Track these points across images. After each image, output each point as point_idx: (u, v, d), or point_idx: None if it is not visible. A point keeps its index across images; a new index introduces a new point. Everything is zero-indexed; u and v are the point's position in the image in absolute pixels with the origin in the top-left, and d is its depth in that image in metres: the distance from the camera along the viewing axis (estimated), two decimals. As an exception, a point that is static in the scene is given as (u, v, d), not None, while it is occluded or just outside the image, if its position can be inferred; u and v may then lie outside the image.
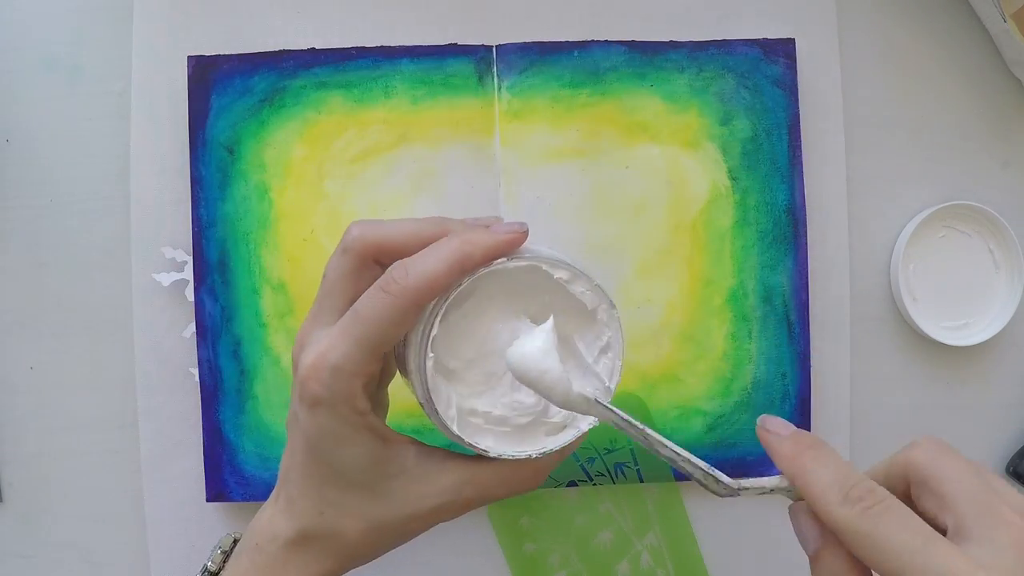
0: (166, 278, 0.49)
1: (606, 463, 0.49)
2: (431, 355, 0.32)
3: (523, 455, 0.33)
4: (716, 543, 0.50)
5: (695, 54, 0.50)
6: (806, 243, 0.50)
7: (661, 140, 0.50)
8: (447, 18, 0.50)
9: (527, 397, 0.33)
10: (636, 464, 0.49)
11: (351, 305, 0.33)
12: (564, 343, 0.34)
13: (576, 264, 0.33)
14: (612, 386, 0.34)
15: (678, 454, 0.32)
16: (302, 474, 0.34)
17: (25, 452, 0.50)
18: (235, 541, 0.39)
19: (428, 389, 0.32)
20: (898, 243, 0.51)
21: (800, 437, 0.31)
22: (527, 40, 0.49)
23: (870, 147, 0.51)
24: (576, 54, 0.49)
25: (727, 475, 0.50)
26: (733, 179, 0.50)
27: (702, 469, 0.32)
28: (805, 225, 0.50)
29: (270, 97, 0.49)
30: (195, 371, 0.49)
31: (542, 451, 0.33)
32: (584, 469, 0.49)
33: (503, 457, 0.33)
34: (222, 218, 0.49)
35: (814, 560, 0.31)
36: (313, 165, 0.49)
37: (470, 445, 0.33)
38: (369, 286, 0.32)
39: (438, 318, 0.31)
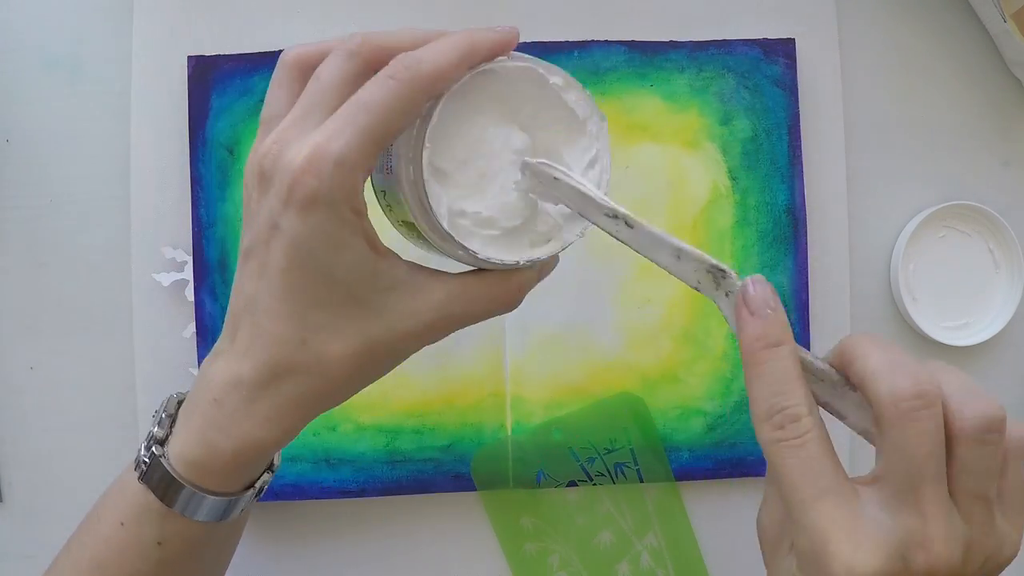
0: (166, 278, 0.49)
1: (606, 463, 0.49)
2: (428, 146, 0.31)
3: (511, 261, 0.32)
4: (716, 543, 0.50)
5: (695, 54, 0.50)
6: (806, 243, 0.50)
7: (661, 140, 0.50)
8: (447, 18, 0.50)
9: (518, 200, 0.33)
10: (636, 464, 0.49)
11: None
12: (551, 157, 0.33)
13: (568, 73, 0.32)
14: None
15: (681, 248, 0.31)
16: (281, 298, 0.30)
17: (25, 452, 0.50)
18: (180, 404, 0.35)
19: (424, 184, 0.31)
20: (898, 243, 0.51)
21: (767, 327, 0.30)
22: (527, 40, 0.49)
23: (870, 147, 0.51)
24: (576, 54, 0.49)
25: (727, 474, 0.50)
26: (733, 179, 0.50)
27: (708, 263, 0.31)
28: (805, 225, 0.50)
29: None
30: (195, 371, 0.49)
31: (530, 259, 0.32)
32: (584, 469, 0.49)
33: (491, 262, 0.32)
34: (222, 218, 0.49)
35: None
36: (313, 165, 0.49)
37: (460, 245, 0.31)
38: None
39: (438, 108, 0.31)
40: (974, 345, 0.50)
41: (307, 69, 0.32)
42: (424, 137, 0.30)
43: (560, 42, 0.49)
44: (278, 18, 0.50)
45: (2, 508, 0.50)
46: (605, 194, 0.32)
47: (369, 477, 0.49)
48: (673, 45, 0.50)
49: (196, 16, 0.50)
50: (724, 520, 0.50)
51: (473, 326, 0.50)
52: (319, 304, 0.31)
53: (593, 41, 0.50)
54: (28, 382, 0.50)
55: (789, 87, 0.50)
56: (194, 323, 0.49)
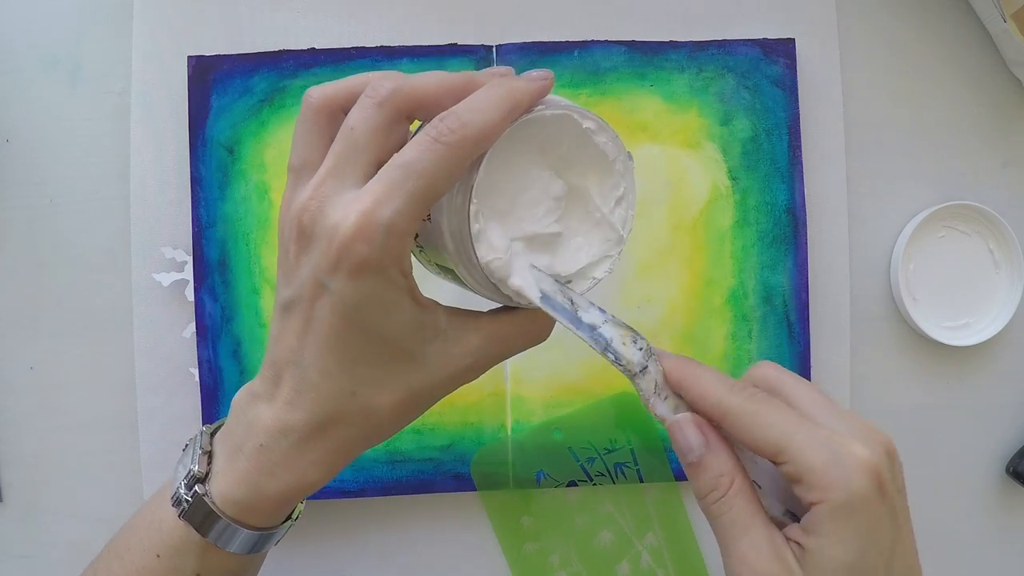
0: (166, 278, 0.49)
1: (606, 463, 0.49)
2: (474, 201, 0.31)
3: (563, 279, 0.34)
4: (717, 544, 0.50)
5: (695, 54, 0.50)
6: (806, 243, 0.50)
7: (661, 140, 0.50)
8: (447, 18, 0.50)
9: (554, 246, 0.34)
10: (636, 464, 0.49)
11: (380, 163, 0.30)
12: (579, 195, 0.34)
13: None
14: (625, 234, 0.35)
15: (603, 312, 0.33)
16: (330, 354, 0.31)
17: (25, 452, 0.50)
18: (211, 436, 0.36)
19: (471, 239, 0.31)
20: (898, 243, 0.51)
21: (708, 479, 0.33)
22: (527, 40, 0.49)
23: (870, 147, 0.51)
24: (576, 54, 0.49)
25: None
26: (733, 179, 0.50)
27: (631, 332, 0.33)
28: (805, 225, 0.50)
29: (270, 97, 0.49)
30: (195, 371, 0.49)
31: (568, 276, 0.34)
32: (584, 469, 0.49)
33: (532, 304, 0.33)
34: (222, 218, 0.49)
35: (697, 466, 0.32)
36: (313, 165, 0.49)
37: (502, 293, 0.32)
38: (398, 144, 0.31)
39: (482, 165, 0.31)
40: (974, 345, 0.50)
41: (335, 112, 0.32)
42: (471, 193, 0.31)
43: (560, 42, 0.49)
44: (279, 18, 0.50)
45: (2, 508, 0.50)
46: (629, 232, 0.35)
47: (369, 477, 0.49)
48: (673, 45, 0.50)
49: (196, 16, 0.50)
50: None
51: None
52: (367, 359, 0.31)
53: (593, 41, 0.50)
54: (28, 382, 0.50)
55: (789, 87, 0.50)
56: (194, 323, 0.49)
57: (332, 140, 0.31)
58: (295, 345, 0.32)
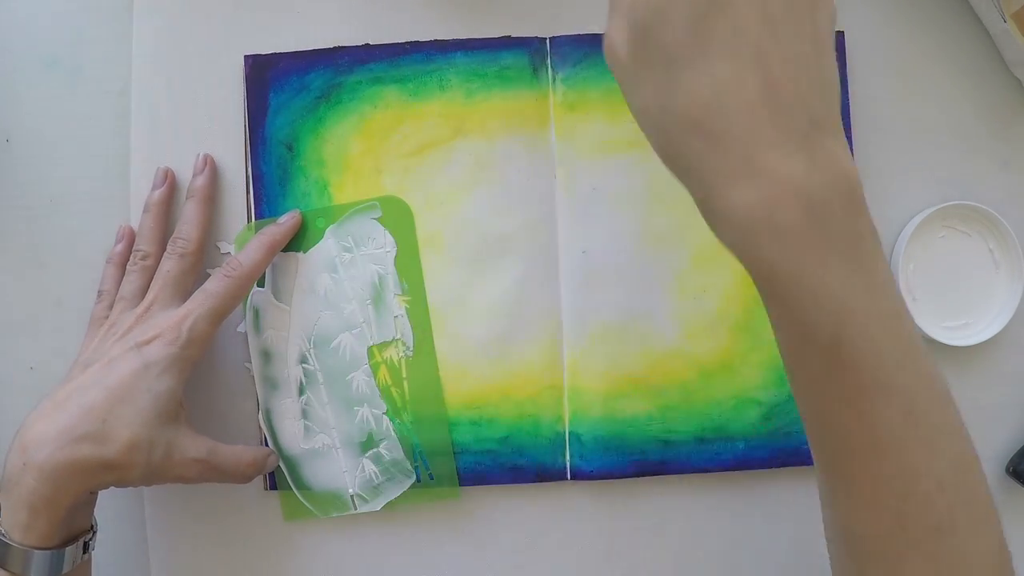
0: (166, 278, 0.49)
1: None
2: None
3: None
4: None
5: None
6: None
7: None
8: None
9: None
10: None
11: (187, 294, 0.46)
12: None
13: None
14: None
15: None
16: (108, 391, 0.41)
17: (25, 452, 0.50)
18: None
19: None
20: (898, 243, 0.51)
21: None
22: (581, 32, 0.50)
23: (870, 147, 0.51)
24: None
25: (782, 463, 0.51)
26: None
27: None
28: None
29: (327, 93, 0.49)
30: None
31: None
32: None
33: None
34: (283, 212, 0.49)
35: None
36: (370, 159, 0.49)
37: None
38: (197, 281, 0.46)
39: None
40: (974, 345, 0.50)
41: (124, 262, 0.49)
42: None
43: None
44: (280, 19, 0.50)
45: (2, 508, 0.50)
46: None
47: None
48: None
49: (196, 16, 0.50)
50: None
51: (530, 318, 0.49)
52: (127, 403, 0.42)
53: None
54: (28, 382, 0.50)
55: (839, 79, 0.50)
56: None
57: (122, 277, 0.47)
58: (86, 384, 0.42)
